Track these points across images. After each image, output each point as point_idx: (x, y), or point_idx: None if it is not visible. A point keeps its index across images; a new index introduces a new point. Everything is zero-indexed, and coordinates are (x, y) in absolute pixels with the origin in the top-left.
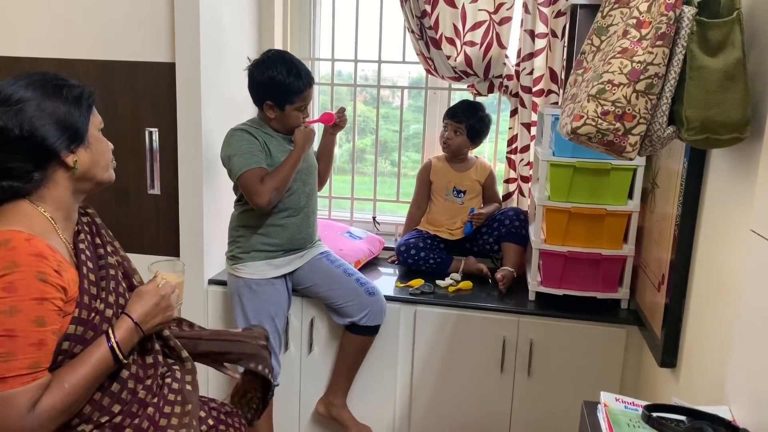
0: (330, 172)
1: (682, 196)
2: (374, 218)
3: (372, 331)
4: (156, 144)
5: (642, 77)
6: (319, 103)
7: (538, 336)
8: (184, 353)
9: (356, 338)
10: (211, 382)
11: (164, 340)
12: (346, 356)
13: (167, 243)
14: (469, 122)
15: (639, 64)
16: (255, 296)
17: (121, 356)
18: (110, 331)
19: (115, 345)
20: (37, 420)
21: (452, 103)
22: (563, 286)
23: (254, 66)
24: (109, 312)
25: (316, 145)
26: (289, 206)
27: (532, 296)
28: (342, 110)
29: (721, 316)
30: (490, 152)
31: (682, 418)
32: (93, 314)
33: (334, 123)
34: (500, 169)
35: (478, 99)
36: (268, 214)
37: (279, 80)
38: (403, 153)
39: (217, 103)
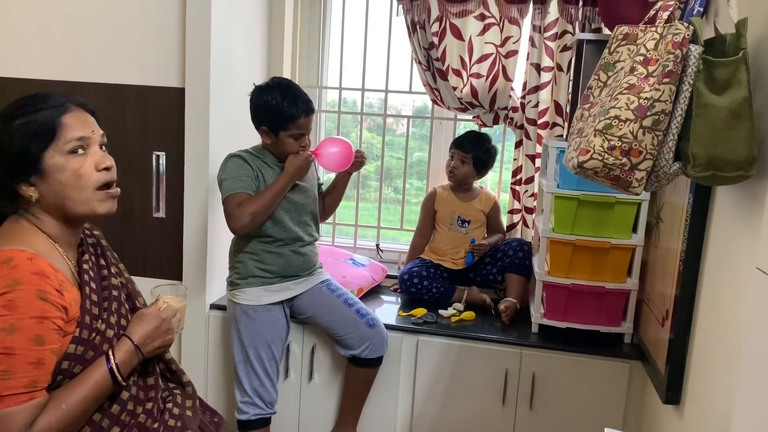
0: (336, 207)
1: (687, 231)
2: (378, 245)
3: (374, 363)
4: (163, 167)
5: (649, 113)
6: (324, 130)
7: (540, 369)
8: (186, 377)
9: (359, 371)
10: (210, 400)
11: (166, 363)
12: (352, 389)
13: (170, 266)
14: (475, 152)
15: (646, 101)
16: (251, 322)
17: (120, 378)
18: (110, 352)
19: (114, 367)
20: None
21: (458, 134)
22: (567, 319)
23: (254, 91)
24: (110, 332)
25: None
26: (281, 237)
27: (535, 328)
28: (361, 153)
29: (726, 353)
30: (492, 182)
31: None
32: (94, 334)
33: (355, 165)
34: (504, 199)
35: (483, 130)
36: (265, 240)
37: (272, 105)
38: (406, 180)
39: (225, 129)
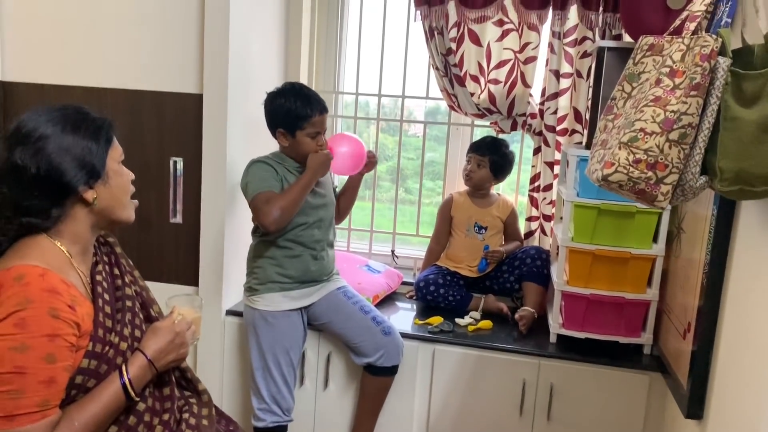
0: (351, 208)
1: (711, 243)
2: (393, 252)
3: (389, 372)
4: (180, 173)
5: (675, 127)
6: (341, 131)
7: (558, 379)
8: (201, 386)
9: (374, 379)
10: (225, 407)
11: (182, 371)
12: (367, 398)
13: (187, 272)
14: (492, 157)
15: (672, 114)
16: (270, 329)
17: (133, 394)
18: (123, 367)
19: (127, 382)
20: None
21: (474, 139)
22: (585, 329)
23: (267, 98)
24: (123, 345)
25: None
26: (302, 240)
27: (553, 338)
28: (372, 154)
29: (753, 367)
30: (505, 188)
31: None
32: (107, 348)
33: (367, 167)
34: (521, 203)
35: (501, 136)
36: (284, 245)
37: (287, 107)
38: (417, 180)
39: (242, 135)
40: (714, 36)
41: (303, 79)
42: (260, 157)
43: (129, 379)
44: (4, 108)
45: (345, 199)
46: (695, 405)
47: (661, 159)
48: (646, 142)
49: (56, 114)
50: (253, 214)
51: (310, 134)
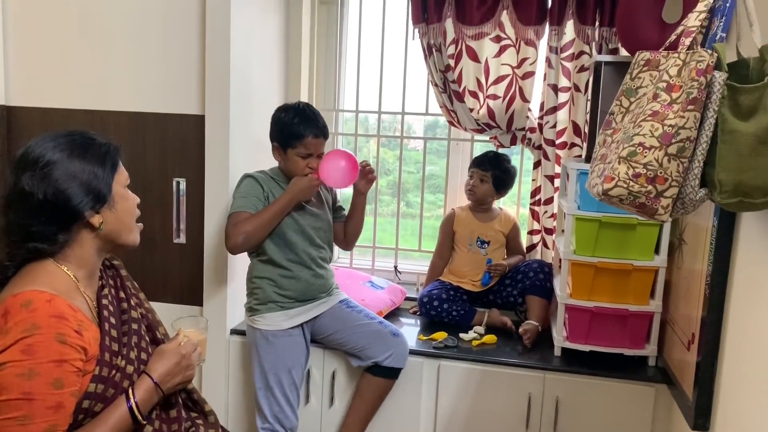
0: (359, 231)
1: (713, 253)
2: (396, 267)
3: (394, 373)
4: (183, 193)
5: (674, 141)
6: (341, 147)
7: (564, 393)
8: (208, 407)
9: (377, 381)
10: (231, 426)
11: (188, 393)
12: (364, 400)
13: (191, 292)
14: (494, 171)
15: (670, 128)
16: (272, 348)
17: (140, 417)
18: (130, 391)
19: (134, 405)
20: None
21: (475, 154)
22: (590, 342)
23: (275, 110)
24: (130, 368)
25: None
26: (298, 260)
27: (557, 351)
28: (366, 164)
29: (758, 376)
30: (506, 201)
31: None
32: (114, 371)
33: (364, 179)
34: (523, 215)
35: (501, 150)
36: (281, 265)
37: (284, 122)
38: (418, 194)
39: (244, 155)
40: (709, 51)
41: (303, 98)
42: (255, 171)
43: (136, 403)
44: (9, 132)
45: (352, 224)
46: (701, 416)
47: (661, 173)
48: (645, 156)
49: (63, 140)
50: (225, 229)
51: (300, 154)
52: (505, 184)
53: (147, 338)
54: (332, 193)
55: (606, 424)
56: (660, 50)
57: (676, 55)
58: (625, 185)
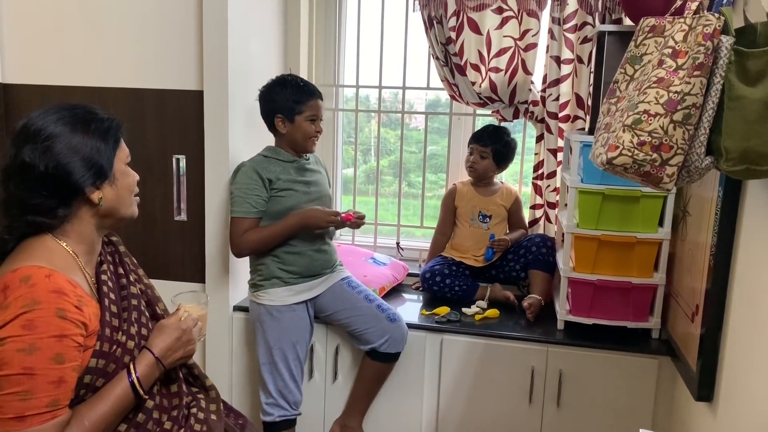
0: None
1: (718, 225)
2: (398, 244)
3: (392, 358)
4: (183, 170)
5: (679, 108)
6: (342, 128)
7: (567, 366)
8: (209, 382)
9: (375, 365)
10: (235, 402)
11: (188, 368)
12: (365, 382)
13: (193, 269)
14: (495, 146)
15: (676, 95)
16: (276, 323)
17: (141, 392)
18: (131, 365)
19: (135, 380)
20: None
21: (476, 129)
22: (593, 315)
23: (260, 93)
24: (131, 344)
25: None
26: (302, 236)
27: (560, 325)
28: (362, 216)
29: (761, 347)
30: (508, 179)
31: None
32: (114, 347)
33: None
34: (525, 194)
35: (503, 124)
36: (285, 242)
37: (285, 94)
38: (419, 174)
39: (244, 131)
40: (716, 15)
41: (303, 73)
42: (253, 157)
43: (137, 377)
44: (6, 110)
45: None
46: (705, 387)
47: (666, 140)
48: (650, 124)
49: (65, 113)
50: (230, 232)
51: (308, 117)
52: (505, 159)
53: (147, 314)
54: (325, 168)
55: (609, 397)
56: (665, 16)
57: (681, 20)
58: (630, 153)
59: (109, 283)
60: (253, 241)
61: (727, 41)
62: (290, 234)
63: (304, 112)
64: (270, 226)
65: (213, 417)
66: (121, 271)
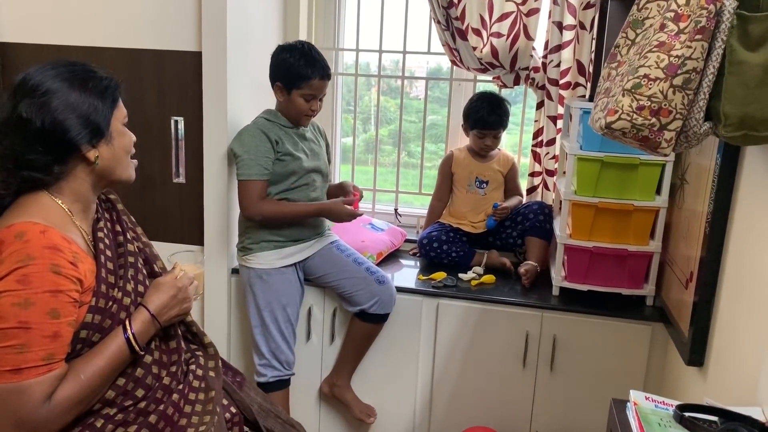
0: None
1: (714, 193)
2: (396, 210)
3: (380, 319)
4: (181, 133)
5: (679, 72)
6: (340, 93)
7: (561, 331)
8: (207, 339)
9: (364, 326)
10: (233, 362)
11: (186, 325)
12: (354, 342)
13: (191, 232)
14: (504, 125)
15: (677, 59)
16: (266, 286)
17: (137, 348)
18: (127, 322)
19: (131, 336)
20: (53, 411)
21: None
22: (588, 282)
23: (276, 49)
24: (127, 300)
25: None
26: (295, 201)
27: (555, 291)
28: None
29: (753, 314)
30: (507, 149)
31: (714, 418)
32: (110, 303)
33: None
34: (524, 164)
35: (504, 91)
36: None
37: (290, 63)
38: (419, 143)
39: (243, 93)
40: None
41: (302, 36)
42: (256, 120)
43: (132, 334)
44: (2, 69)
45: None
46: (696, 352)
47: (665, 105)
48: (649, 89)
49: (64, 70)
50: (240, 196)
51: (305, 95)
52: (507, 125)
53: (144, 271)
54: (325, 139)
55: (602, 362)
56: None
57: None
58: (629, 118)
59: (106, 240)
60: (269, 212)
61: (729, 5)
62: (306, 217)
63: (303, 88)
64: (290, 206)
65: (211, 374)
66: (118, 228)
